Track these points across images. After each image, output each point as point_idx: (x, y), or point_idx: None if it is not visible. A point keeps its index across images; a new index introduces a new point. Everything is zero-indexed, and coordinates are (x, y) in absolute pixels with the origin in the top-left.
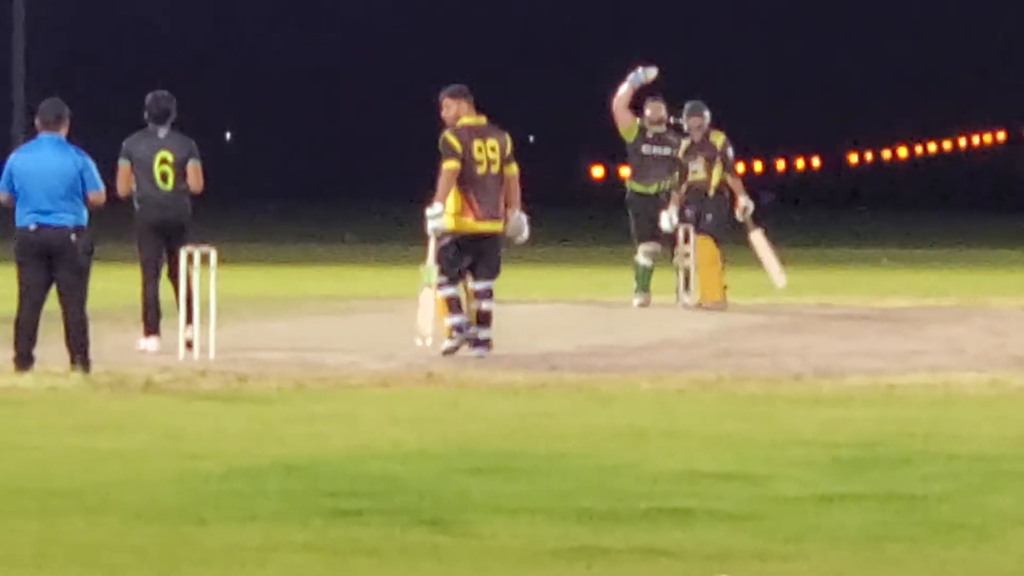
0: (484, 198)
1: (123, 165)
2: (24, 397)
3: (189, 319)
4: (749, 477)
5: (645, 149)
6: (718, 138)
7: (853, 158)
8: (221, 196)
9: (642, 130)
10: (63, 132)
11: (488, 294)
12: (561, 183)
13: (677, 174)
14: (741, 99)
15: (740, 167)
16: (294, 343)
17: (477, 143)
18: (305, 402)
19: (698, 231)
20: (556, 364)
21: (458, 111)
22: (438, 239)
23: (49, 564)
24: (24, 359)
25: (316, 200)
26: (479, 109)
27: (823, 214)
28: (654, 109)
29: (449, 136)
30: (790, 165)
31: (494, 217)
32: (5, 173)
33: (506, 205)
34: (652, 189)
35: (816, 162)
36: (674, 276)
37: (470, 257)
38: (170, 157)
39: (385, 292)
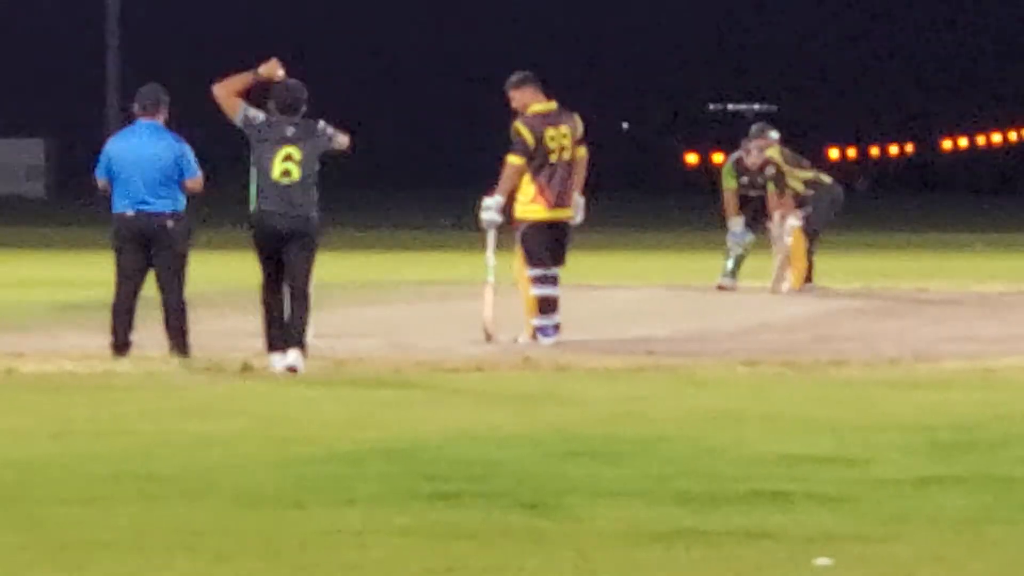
0: (557, 186)
1: None
2: (122, 382)
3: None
4: (847, 460)
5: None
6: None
7: (947, 144)
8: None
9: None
10: (161, 118)
11: (556, 280)
12: (655, 169)
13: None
14: (835, 86)
15: (834, 153)
16: (391, 328)
17: (550, 131)
18: (402, 386)
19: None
20: (653, 348)
21: (525, 99)
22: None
23: (150, 548)
24: (121, 345)
25: (411, 186)
26: (555, 94)
27: (917, 200)
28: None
29: (520, 126)
30: (884, 151)
31: (565, 204)
32: (102, 159)
33: (573, 188)
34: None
35: (910, 148)
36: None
37: (552, 245)
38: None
39: (481, 278)
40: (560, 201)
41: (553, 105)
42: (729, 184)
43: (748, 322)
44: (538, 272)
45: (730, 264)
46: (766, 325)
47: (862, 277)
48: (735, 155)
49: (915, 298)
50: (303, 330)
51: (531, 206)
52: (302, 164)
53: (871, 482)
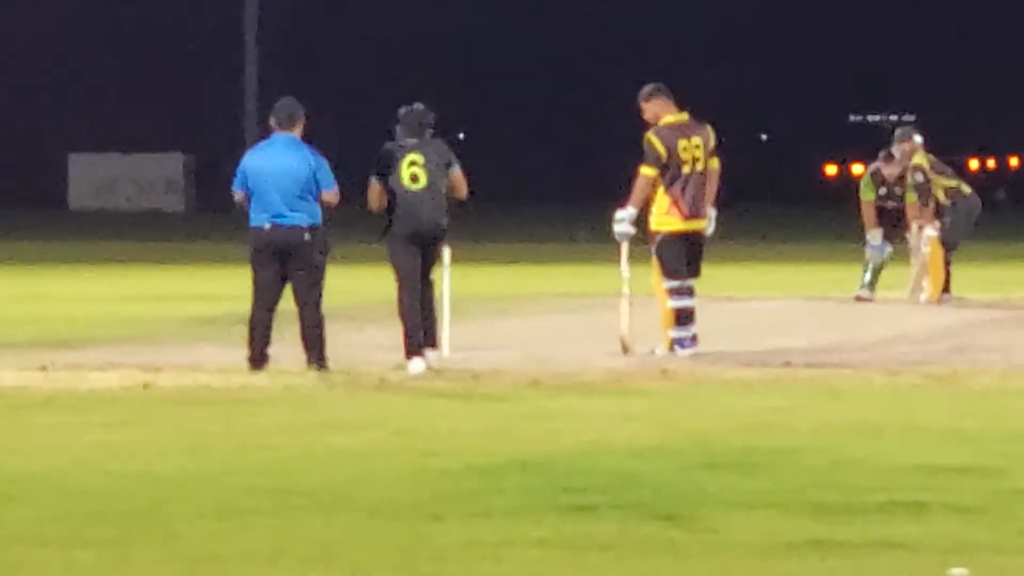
0: (690, 197)
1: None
2: (260, 396)
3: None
4: (984, 470)
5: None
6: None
7: None
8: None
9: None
10: (297, 131)
11: (691, 292)
12: (796, 180)
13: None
14: (975, 96)
15: (974, 164)
16: (527, 341)
17: (682, 142)
18: (539, 399)
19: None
20: (790, 360)
21: (657, 111)
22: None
23: (287, 561)
24: (258, 358)
25: (549, 199)
26: (692, 105)
27: None
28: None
29: (652, 137)
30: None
31: (699, 215)
32: (239, 173)
33: (706, 200)
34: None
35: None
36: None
37: (688, 256)
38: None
39: (617, 290)
40: (695, 212)
41: (685, 116)
42: (867, 196)
43: (885, 333)
44: (675, 284)
45: (868, 276)
46: (903, 336)
47: (1000, 288)
48: (873, 165)
49: None
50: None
51: (666, 217)
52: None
53: (1008, 492)
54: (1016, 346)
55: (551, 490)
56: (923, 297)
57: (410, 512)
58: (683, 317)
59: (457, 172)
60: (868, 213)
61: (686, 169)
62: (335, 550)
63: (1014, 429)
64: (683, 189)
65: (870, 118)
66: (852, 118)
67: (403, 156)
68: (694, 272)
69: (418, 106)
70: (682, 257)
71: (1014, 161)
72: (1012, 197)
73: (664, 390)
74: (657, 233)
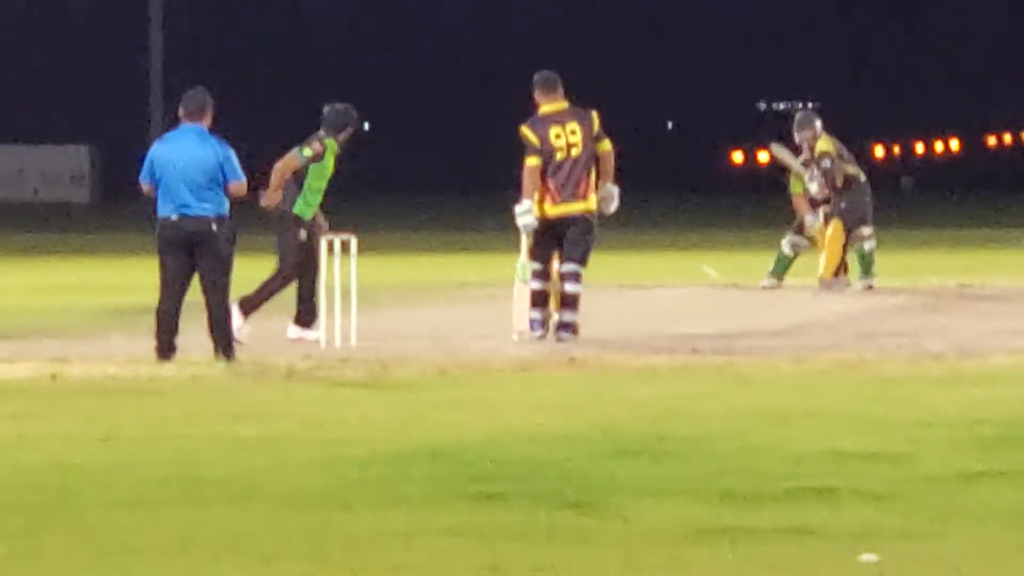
0: (564, 182)
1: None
2: (167, 386)
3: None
4: (893, 457)
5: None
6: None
7: (992, 140)
8: (360, 184)
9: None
10: (206, 122)
11: (573, 276)
12: (701, 168)
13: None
14: (880, 83)
15: (879, 151)
16: (435, 330)
17: (555, 130)
18: (448, 388)
19: (830, 215)
20: (697, 347)
21: (538, 101)
22: (529, 235)
23: (197, 551)
24: (166, 349)
25: (453, 188)
26: (602, 95)
27: (962, 196)
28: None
29: (524, 129)
30: (929, 148)
31: (573, 198)
32: (147, 163)
33: (600, 179)
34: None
35: (955, 144)
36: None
37: (555, 241)
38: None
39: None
40: (571, 195)
41: (563, 105)
42: (796, 189)
43: (793, 320)
44: (535, 267)
45: (777, 264)
46: (811, 323)
47: (907, 273)
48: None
49: (960, 294)
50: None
51: (540, 205)
52: None
53: (917, 478)
54: (924, 332)
55: (460, 479)
56: (860, 284)
57: (320, 501)
58: (537, 299)
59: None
60: (800, 204)
61: (559, 156)
62: (245, 540)
63: (922, 415)
64: (555, 175)
65: (776, 106)
66: (759, 105)
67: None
68: (577, 255)
69: (340, 105)
70: (550, 243)
71: (919, 147)
72: (917, 183)
73: (572, 378)
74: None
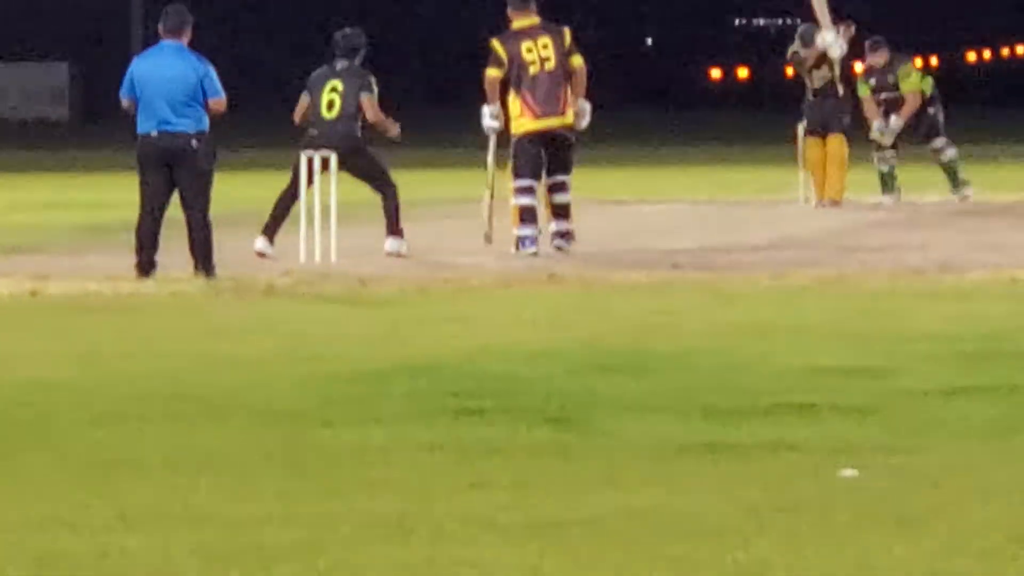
0: (541, 96)
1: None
2: (147, 303)
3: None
4: (873, 371)
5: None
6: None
7: (971, 56)
8: None
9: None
10: (185, 39)
11: (562, 187)
12: (680, 85)
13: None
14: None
15: (859, 67)
16: (415, 246)
17: (526, 44)
18: (427, 304)
19: (831, 130)
20: (678, 263)
21: (511, 17)
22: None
23: (178, 468)
24: (146, 265)
25: (440, 104)
26: (578, 13)
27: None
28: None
29: (494, 43)
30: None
31: (554, 113)
32: (127, 79)
33: (572, 94)
34: None
35: (934, 60)
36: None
37: (539, 156)
38: (340, 87)
39: (507, 195)
40: (548, 110)
41: (535, 20)
42: (864, 91)
43: (773, 236)
44: (521, 183)
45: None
46: (791, 239)
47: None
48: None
49: (940, 210)
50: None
51: (520, 120)
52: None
53: (897, 393)
54: (903, 247)
55: (440, 395)
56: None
57: (300, 417)
58: (527, 215)
59: (367, 98)
60: (870, 107)
61: (533, 70)
62: (225, 457)
63: (902, 330)
64: (532, 90)
65: (755, 22)
66: (737, 22)
67: (325, 82)
68: (561, 166)
69: (350, 30)
70: (534, 157)
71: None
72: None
73: (552, 294)
74: (514, 136)
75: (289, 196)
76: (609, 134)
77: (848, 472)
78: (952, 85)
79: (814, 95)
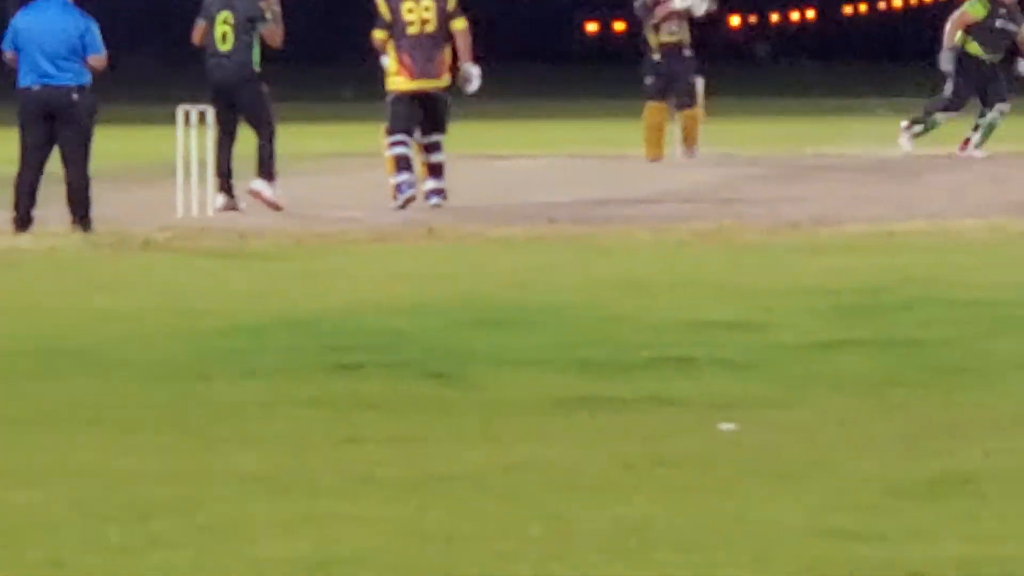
0: (418, 57)
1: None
2: (24, 258)
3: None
4: (751, 325)
5: (999, 24)
6: None
7: (848, 9)
8: None
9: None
10: None
11: (436, 147)
12: (556, 39)
13: None
14: None
15: (735, 20)
16: (292, 201)
17: (407, 4)
18: (305, 258)
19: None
20: (555, 216)
21: None
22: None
23: (57, 423)
24: (23, 220)
25: (312, 58)
26: None
27: (819, 65)
28: None
29: (378, 1)
30: (784, 17)
31: (430, 75)
32: (9, 32)
33: (456, 58)
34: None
35: (811, 14)
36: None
37: (416, 114)
38: (231, 18)
39: (383, 149)
40: (424, 72)
41: None
42: (977, 12)
43: (650, 190)
44: (395, 138)
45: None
46: (668, 192)
47: (764, 143)
48: None
49: (817, 164)
50: None
51: (395, 78)
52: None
53: (775, 347)
54: (781, 201)
55: (318, 349)
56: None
57: (179, 372)
58: (401, 163)
59: (265, 29)
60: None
61: (412, 30)
62: (105, 411)
63: (780, 284)
64: (410, 50)
65: None
66: None
67: (217, 13)
68: (434, 126)
69: None
70: (408, 116)
71: (775, 16)
72: (773, 52)
73: (429, 248)
74: (389, 93)
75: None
76: (485, 89)
77: (727, 426)
78: (829, 39)
79: (661, 54)
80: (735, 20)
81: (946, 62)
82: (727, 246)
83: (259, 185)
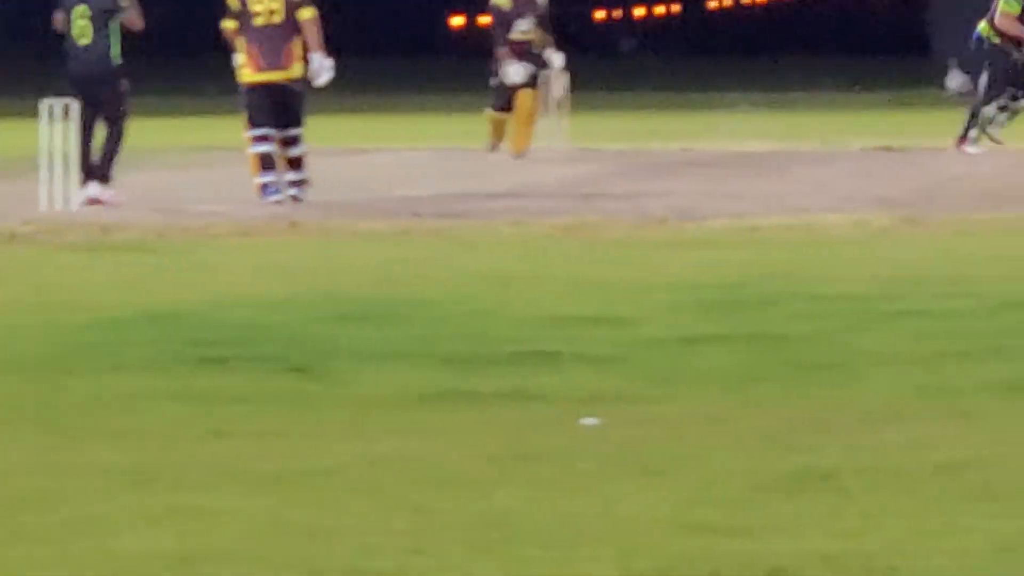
0: (266, 48)
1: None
2: None
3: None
4: (615, 320)
5: None
6: None
7: (713, 3)
8: None
9: None
10: None
11: (294, 141)
12: (421, 33)
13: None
14: None
15: (600, 14)
16: (155, 194)
17: None
18: (168, 252)
19: (528, 85)
20: (419, 211)
21: None
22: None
23: None
24: None
25: (175, 51)
26: None
27: (683, 59)
28: None
29: None
30: (650, 11)
31: (276, 67)
32: None
33: (306, 50)
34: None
35: (676, 8)
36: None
37: (269, 106)
38: (88, 11)
39: (246, 144)
40: (271, 63)
41: None
42: (1014, 8)
43: (514, 184)
44: (256, 132)
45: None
46: (533, 186)
47: (629, 138)
48: None
49: (682, 158)
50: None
51: (244, 70)
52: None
53: (639, 342)
54: (645, 196)
55: (181, 343)
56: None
57: (42, 366)
58: (266, 162)
59: (125, 16)
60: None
61: (259, 21)
62: None
63: (644, 279)
64: (258, 42)
65: None
66: None
67: (72, 7)
68: (290, 120)
69: None
70: (263, 107)
71: (640, 11)
72: (639, 46)
73: (293, 242)
74: (241, 85)
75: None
76: (347, 82)
77: (591, 421)
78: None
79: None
80: (600, 14)
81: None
82: (591, 241)
83: (95, 191)
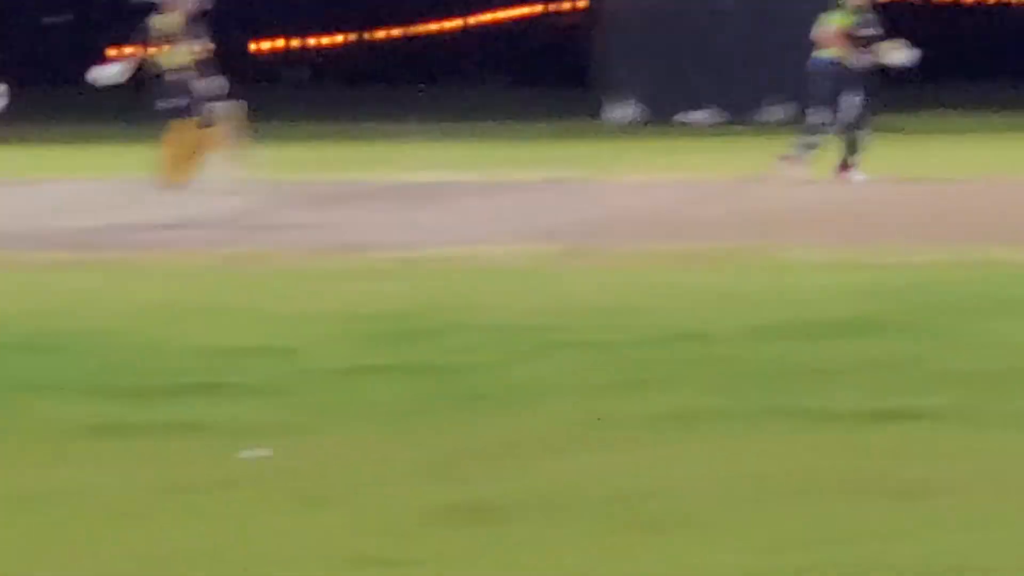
0: None
1: None
2: None
3: None
4: (279, 351)
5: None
6: None
7: (381, 33)
8: None
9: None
10: None
11: None
12: (80, 65)
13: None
14: None
15: (266, 45)
16: None
17: None
18: None
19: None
20: (90, 241)
21: None
22: None
23: None
24: None
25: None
26: None
27: (350, 90)
28: None
29: None
30: (318, 40)
31: None
32: None
33: None
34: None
35: (340, 38)
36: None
37: None
38: None
39: None
40: None
41: None
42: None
43: (184, 214)
44: None
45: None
46: (202, 217)
47: (299, 168)
48: None
49: (354, 190)
50: None
51: None
52: None
53: (302, 373)
54: (313, 227)
55: None
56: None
57: None
58: None
59: None
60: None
61: None
62: None
63: (309, 309)
64: None
65: None
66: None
67: None
68: None
69: None
70: None
71: (296, 42)
72: (310, 77)
73: None
74: None
75: None
76: (9, 114)
77: (252, 452)
78: (363, 63)
79: (168, 74)
80: (265, 45)
81: None
82: (256, 271)
83: None
